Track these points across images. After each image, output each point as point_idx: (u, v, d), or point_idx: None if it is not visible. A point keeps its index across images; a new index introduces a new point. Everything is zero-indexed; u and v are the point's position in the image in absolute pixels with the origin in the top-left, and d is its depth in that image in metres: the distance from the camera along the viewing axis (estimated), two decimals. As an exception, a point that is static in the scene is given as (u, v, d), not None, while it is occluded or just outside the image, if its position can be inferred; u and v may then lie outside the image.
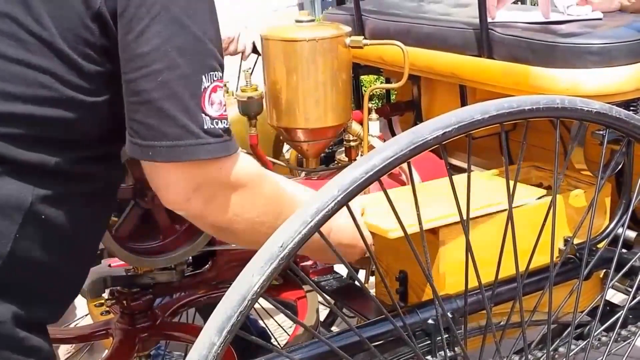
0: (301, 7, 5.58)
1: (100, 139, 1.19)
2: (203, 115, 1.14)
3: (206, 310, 2.42)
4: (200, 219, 1.25)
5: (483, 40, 1.71)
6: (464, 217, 1.17)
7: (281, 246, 1.02)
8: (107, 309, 1.78)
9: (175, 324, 1.80)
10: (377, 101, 3.65)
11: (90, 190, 1.21)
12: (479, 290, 1.22)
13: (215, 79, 1.15)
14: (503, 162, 1.97)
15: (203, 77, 1.14)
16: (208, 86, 1.14)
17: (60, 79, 1.12)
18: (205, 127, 1.14)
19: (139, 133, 1.14)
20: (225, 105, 1.18)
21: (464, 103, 1.94)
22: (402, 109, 2.29)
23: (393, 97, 2.50)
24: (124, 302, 1.63)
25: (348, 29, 1.80)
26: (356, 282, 1.82)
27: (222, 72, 1.19)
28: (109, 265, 1.62)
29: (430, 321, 1.38)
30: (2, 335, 1.11)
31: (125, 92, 1.14)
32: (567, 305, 1.40)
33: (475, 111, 1.13)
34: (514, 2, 1.93)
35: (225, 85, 2.10)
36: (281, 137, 1.92)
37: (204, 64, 1.14)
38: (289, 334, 2.66)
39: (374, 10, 2.15)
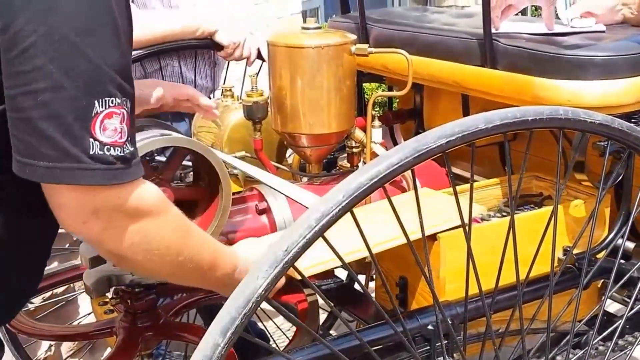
0: (304, 14, 5.61)
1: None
2: (91, 140, 1.08)
3: (206, 312, 2.44)
4: (97, 244, 1.20)
5: (487, 50, 1.73)
6: (465, 224, 1.18)
7: (286, 250, 1.04)
8: (111, 307, 1.80)
9: (178, 324, 1.81)
10: (379, 108, 3.68)
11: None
12: (478, 297, 1.24)
13: (111, 104, 1.10)
14: (502, 170, 2.01)
15: (96, 101, 1.08)
16: (101, 111, 1.09)
17: None
18: (92, 152, 1.08)
19: (18, 149, 1.09)
20: (126, 133, 1.12)
21: (466, 112, 1.96)
22: (404, 117, 2.31)
23: (395, 104, 2.52)
24: (128, 301, 1.64)
25: (353, 36, 1.82)
26: (357, 286, 1.84)
27: (128, 99, 1.13)
28: (114, 265, 1.63)
29: (429, 327, 1.40)
30: None
31: (7, 106, 1.09)
32: (565, 314, 1.42)
33: (479, 120, 1.15)
34: (517, 14, 1.96)
35: (230, 90, 2.13)
36: (285, 142, 1.94)
37: (97, 88, 1.09)
38: (287, 337, 2.68)
39: (379, 19, 2.17)
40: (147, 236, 1.20)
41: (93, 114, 1.08)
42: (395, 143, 2.30)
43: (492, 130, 1.15)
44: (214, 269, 1.33)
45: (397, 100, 2.46)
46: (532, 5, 2.09)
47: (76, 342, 2.70)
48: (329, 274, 1.81)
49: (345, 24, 2.22)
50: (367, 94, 2.53)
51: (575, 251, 1.58)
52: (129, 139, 1.13)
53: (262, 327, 2.61)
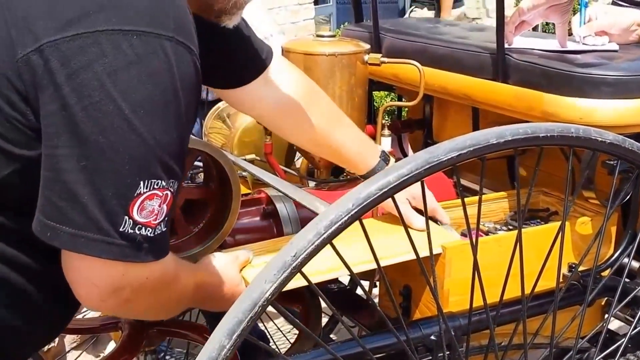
0: (317, 20, 5.63)
1: None
2: (126, 217, 1.05)
3: (210, 311, 2.44)
4: (109, 313, 1.30)
5: (499, 64, 1.74)
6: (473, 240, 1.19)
7: (294, 255, 1.04)
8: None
9: (182, 322, 1.83)
10: (387, 117, 3.68)
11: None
12: (482, 310, 1.25)
13: (155, 187, 1.06)
14: (509, 183, 2.02)
15: (141, 182, 1.05)
16: (144, 192, 1.05)
17: None
18: (122, 229, 1.05)
19: (45, 210, 1.05)
20: (163, 214, 1.09)
21: (475, 125, 1.97)
22: (412, 127, 2.32)
23: (404, 114, 2.53)
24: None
25: (367, 46, 1.83)
26: (359, 292, 1.85)
27: (175, 181, 1.10)
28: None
29: (432, 337, 1.41)
30: None
31: (44, 163, 1.05)
32: (567, 330, 1.43)
33: (490, 135, 1.15)
34: (533, 30, 1.97)
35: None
36: (295, 147, 1.95)
37: (145, 169, 1.05)
38: (287, 338, 2.69)
39: (392, 29, 2.18)
40: (161, 303, 1.23)
41: (135, 194, 1.05)
42: (402, 151, 2.31)
43: (503, 145, 1.16)
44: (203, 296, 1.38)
45: (406, 109, 2.47)
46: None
47: (79, 335, 2.72)
48: (333, 280, 1.82)
49: (358, 33, 2.23)
50: (375, 102, 2.54)
51: (579, 268, 1.58)
52: (165, 219, 1.10)
53: (263, 328, 2.62)
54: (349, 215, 1.06)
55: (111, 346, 2.84)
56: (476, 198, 1.69)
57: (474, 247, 1.20)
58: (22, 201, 1.09)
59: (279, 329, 2.76)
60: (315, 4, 5.58)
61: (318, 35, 1.83)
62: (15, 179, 1.09)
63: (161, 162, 1.07)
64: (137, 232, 1.06)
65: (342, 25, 5.52)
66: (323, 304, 1.71)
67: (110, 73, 1.01)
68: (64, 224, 1.04)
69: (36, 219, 1.06)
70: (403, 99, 2.32)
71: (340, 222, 1.06)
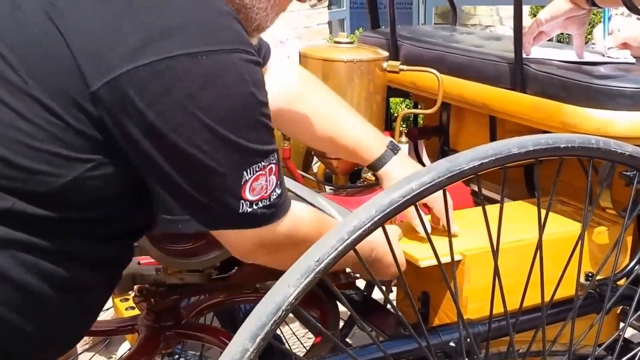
0: (330, 25, 5.65)
1: (103, 217, 1.18)
2: (241, 201, 1.18)
3: (224, 314, 2.46)
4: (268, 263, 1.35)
5: (517, 74, 1.76)
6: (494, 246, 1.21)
7: (317, 260, 1.06)
8: (132, 304, 1.83)
9: (199, 325, 1.85)
10: (403, 124, 3.70)
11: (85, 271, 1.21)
12: (501, 317, 1.26)
13: (257, 169, 1.18)
14: (525, 192, 2.03)
15: (244, 172, 1.16)
16: (249, 178, 1.17)
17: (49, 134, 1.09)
18: (241, 210, 1.18)
19: (169, 207, 1.16)
20: (272, 183, 1.21)
21: (493, 134, 1.98)
22: (428, 134, 2.33)
23: (420, 121, 2.55)
24: (152, 299, 1.68)
25: (386, 53, 1.85)
26: (378, 298, 1.86)
27: (273, 154, 1.20)
28: (139, 263, 1.66)
29: (451, 344, 1.42)
30: None
31: (152, 181, 1.15)
32: (584, 338, 1.44)
33: (512, 145, 1.17)
34: (548, 40, 1.98)
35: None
36: (313, 153, 1.97)
37: (244, 163, 1.16)
38: (302, 342, 2.70)
39: (409, 36, 2.19)
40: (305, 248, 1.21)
41: (242, 183, 1.16)
42: (419, 158, 2.32)
43: (524, 155, 1.17)
44: None
45: (422, 116, 2.49)
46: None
47: (92, 337, 2.74)
48: (351, 284, 1.84)
49: (375, 39, 2.25)
50: (391, 109, 2.56)
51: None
52: (275, 186, 1.22)
53: (278, 332, 2.63)
54: (372, 221, 1.08)
55: (123, 348, 2.85)
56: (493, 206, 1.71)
57: (495, 255, 1.21)
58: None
59: (293, 333, 2.77)
60: (328, 8, 5.59)
61: (336, 42, 1.84)
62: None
63: (256, 152, 1.16)
64: (255, 207, 1.19)
65: (356, 31, 5.54)
66: (340, 308, 1.72)
67: (188, 96, 1.08)
68: (189, 212, 1.16)
69: (161, 219, 1.17)
70: (419, 106, 2.33)
71: (363, 229, 1.07)
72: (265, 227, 1.24)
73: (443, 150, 2.21)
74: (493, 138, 1.97)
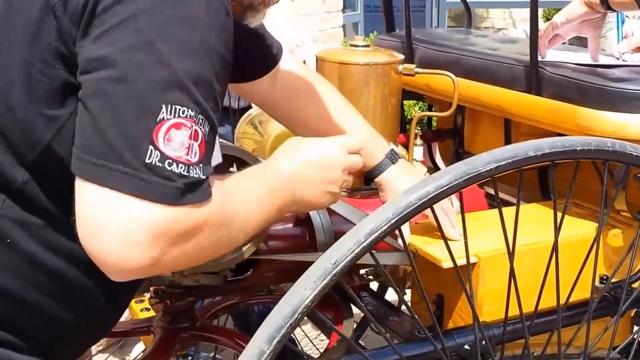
0: (344, 28, 5.66)
1: None
2: (151, 147, 0.95)
3: (239, 316, 2.47)
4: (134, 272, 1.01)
5: (532, 77, 1.76)
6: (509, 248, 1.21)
7: (334, 263, 1.07)
8: (147, 306, 1.84)
9: (214, 327, 1.86)
10: (420, 127, 3.70)
11: None
12: (515, 320, 1.26)
13: (181, 114, 0.97)
14: (539, 195, 2.03)
15: (163, 105, 0.96)
16: (167, 118, 0.96)
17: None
18: (148, 160, 0.95)
19: (75, 142, 1.00)
20: (197, 154, 1.00)
21: (507, 136, 1.99)
22: (443, 136, 2.34)
23: (433, 123, 2.55)
24: (168, 301, 1.68)
25: (401, 56, 1.85)
26: (394, 301, 1.87)
27: (206, 120, 1.01)
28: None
29: (466, 346, 1.42)
30: None
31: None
32: (599, 341, 1.44)
33: (528, 148, 1.17)
34: (563, 43, 1.99)
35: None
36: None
37: (166, 92, 0.97)
38: (314, 345, 2.71)
39: (424, 39, 2.20)
40: (203, 249, 1.06)
41: (158, 120, 0.96)
42: (432, 161, 2.32)
43: (540, 158, 1.18)
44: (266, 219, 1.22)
45: (436, 119, 2.49)
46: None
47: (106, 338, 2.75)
48: (365, 287, 1.84)
49: (390, 42, 2.26)
50: (404, 111, 2.57)
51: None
52: (201, 163, 1.01)
53: (292, 335, 2.64)
54: (389, 224, 1.09)
55: (137, 349, 2.87)
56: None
57: (511, 257, 1.22)
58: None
59: (306, 335, 2.78)
60: (342, 12, 5.61)
61: (352, 45, 1.85)
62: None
63: (185, 89, 0.99)
64: (168, 167, 0.96)
65: (370, 34, 5.55)
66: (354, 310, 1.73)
67: (143, 9, 0.98)
68: (88, 152, 0.97)
69: (73, 155, 0.99)
70: (433, 108, 2.34)
71: (380, 231, 1.08)
72: (167, 209, 0.97)
73: (458, 152, 2.22)
74: (508, 140, 1.98)
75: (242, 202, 1.15)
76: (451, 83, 1.83)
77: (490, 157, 1.14)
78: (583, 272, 1.29)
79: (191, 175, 0.99)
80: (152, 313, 1.84)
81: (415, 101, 3.08)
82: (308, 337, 2.77)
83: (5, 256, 1.10)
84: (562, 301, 1.29)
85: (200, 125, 1.00)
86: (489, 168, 1.14)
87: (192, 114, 0.99)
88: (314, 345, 2.73)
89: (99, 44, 0.98)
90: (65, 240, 1.12)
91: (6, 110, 1.07)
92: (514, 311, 1.26)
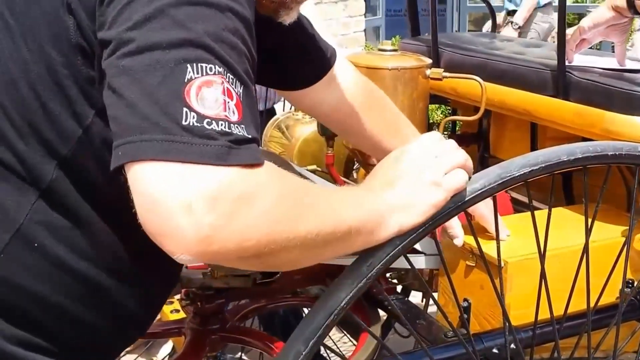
0: (365, 33, 5.66)
1: None
2: (185, 109, 0.89)
3: (265, 317, 2.49)
4: (206, 249, 0.90)
5: (560, 82, 1.77)
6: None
7: (369, 265, 1.08)
8: (177, 307, 1.86)
9: (243, 328, 1.87)
10: (435, 129, 3.71)
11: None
12: (543, 324, 1.27)
13: (208, 71, 0.91)
14: (563, 199, 2.04)
15: (188, 65, 0.91)
16: (195, 77, 0.90)
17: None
18: (185, 122, 0.88)
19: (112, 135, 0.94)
20: (234, 111, 0.92)
21: (534, 140, 1.99)
22: (467, 140, 2.34)
23: (457, 127, 2.56)
24: (199, 303, 1.70)
25: (429, 60, 1.86)
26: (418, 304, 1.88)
27: (233, 77, 0.94)
28: (186, 267, 1.68)
29: (494, 350, 1.43)
30: None
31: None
32: (626, 344, 1.45)
33: (561, 152, 1.18)
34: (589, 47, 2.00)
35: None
36: (355, 159, 1.99)
37: (190, 51, 0.92)
38: (337, 347, 2.71)
39: (450, 43, 2.21)
40: (270, 220, 0.93)
41: (186, 79, 0.90)
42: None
43: (573, 162, 1.19)
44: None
45: (461, 123, 2.50)
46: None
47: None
48: (392, 290, 1.86)
49: (416, 47, 2.27)
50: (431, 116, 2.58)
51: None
52: (242, 120, 0.92)
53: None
54: (423, 228, 1.10)
55: (164, 350, 2.89)
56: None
57: (542, 261, 1.23)
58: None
59: (329, 337, 2.78)
60: (364, 16, 5.62)
61: (380, 49, 1.87)
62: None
63: (208, 47, 0.93)
64: (207, 126, 0.89)
65: (392, 39, 5.57)
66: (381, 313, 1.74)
67: None
68: (124, 135, 0.90)
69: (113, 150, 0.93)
70: (458, 112, 2.35)
71: (414, 235, 1.09)
72: (219, 169, 0.88)
73: (483, 157, 2.23)
74: (534, 145, 1.99)
75: (311, 190, 1.04)
76: (478, 87, 1.84)
77: (524, 161, 1.15)
78: (602, 276, 1.29)
79: (234, 132, 0.91)
80: (181, 315, 1.86)
81: (437, 105, 3.10)
82: (331, 338, 2.78)
83: (34, 261, 1.08)
84: (590, 305, 1.29)
85: (232, 84, 0.93)
86: (522, 172, 1.15)
87: (220, 70, 0.92)
88: (337, 348, 2.73)
89: (113, 26, 0.95)
90: (92, 243, 1.11)
91: (38, 106, 1.06)
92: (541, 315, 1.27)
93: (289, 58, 1.50)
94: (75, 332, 1.16)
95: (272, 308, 1.93)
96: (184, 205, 0.87)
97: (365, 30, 5.72)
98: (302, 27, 1.48)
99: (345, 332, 2.27)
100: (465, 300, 1.65)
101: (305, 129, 2.06)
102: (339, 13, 4.91)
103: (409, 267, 1.17)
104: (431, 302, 1.89)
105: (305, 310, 2.65)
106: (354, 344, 2.45)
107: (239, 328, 1.81)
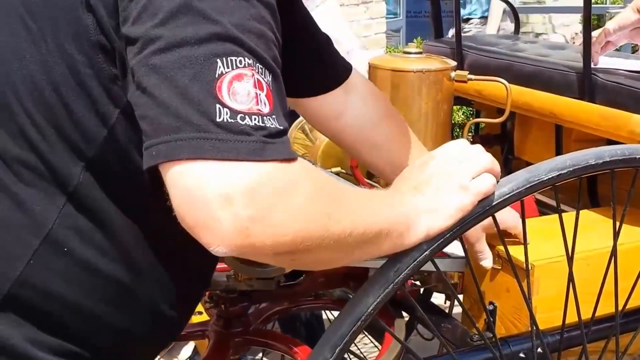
0: (388, 35, 5.66)
1: None
2: (218, 105, 0.89)
3: (286, 320, 2.48)
4: (241, 243, 0.90)
5: (586, 84, 1.76)
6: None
7: (396, 270, 1.07)
8: (200, 310, 1.86)
9: (267, 331, 1.86)
10: (457, 130, 3.70)
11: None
12: (570, 327, 1.26)
13: (238, 64, 0.91)
14: (588, 201, 2.02)
15: (218, 59, 0.90)
16: (226, 72, 0.90)
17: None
18: (219, 119, 0.88)
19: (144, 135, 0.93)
20: (266, 103, 0.92)
21: (558, 142, 1.98)
22: (491, 142, 2.33)
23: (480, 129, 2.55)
24: (222, 305, 1.70)
25: (453, 63, 1.86)
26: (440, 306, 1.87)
27: (262, 67, 0.93)
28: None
29: (521, 354, 1.42)
30: (15, 355, 1.07)
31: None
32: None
33: (589, 156, 1.17)
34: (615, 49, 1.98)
35: None
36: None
37: (218, 46, 0.91)
38: (359, 348, 2.71)
39: (473, 45, 2.21)
40: (305, 216, 0.94)
41: (217, 75, 0.90)
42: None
43: (601, 166, 1.18)
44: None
45: (483, 125, 2.49)
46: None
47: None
48: (414, 292, 1.85)
49: (439, 48, 2.26)
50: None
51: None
52: (274, 115, 0.92)
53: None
54: (451, 232, 1.09)
55: (185, 352, 2.89)
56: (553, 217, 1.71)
57: (570, 264, 1.22)
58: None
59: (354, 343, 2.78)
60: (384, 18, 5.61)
61: (405, 52, 1.86)
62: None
63: (236, 40, 0.92)
64: (241, 122, 0.89)
65: (414, 40, 5.57)
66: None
67: None
68: (156, 135, 0.91)
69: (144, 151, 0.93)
70: (481, 114, 2.34)
71: (442, 239, 1.09)
72: (255, 165, 0.89)
73: (507, 158, 2.22)
74: (559, 147, 1.98)
75: (343, 189, 1.04)
76: (502, 89, 1.83)
77: (552, 165, 1.15)
78: (628, 280, 1.28)
79: (267, 125, 0.91)
80: (205, 317, 1.86)
81: (459, 106, 3.09)
82: (355, 344, 2.78)
83: (64, 266, 1.08)
84: (613, 309, 1.28)
85: (261, 74, 0.93)
86: (550, 176, 1.14)
87: (250, 62, 0.92)
88: (359, 349, 2.73)
89: (138, 23, 0.94)
90: (120, 246, 1.10)
91: (61, 107, 1.05)
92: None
93: (303, 60, 1.45)
94: (108, 337, 1.15)
95: (297, 310, 1.92)
96: (223, 197, 0.87)
97: (386, 31, 5.72)
98: (316, 31, 1.47)
99: (366, 334, 2.26)
100: (490, 303, 1.64)
101: (329, 130, 2.05)
102: (360, 15, 4.92)
103: (434, 269, 1.16)
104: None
105: (326, 313, 2.65)
106: (374, 344, 2.45)
107: (262, 331, 1.80)
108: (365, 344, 2.82)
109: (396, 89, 1.79)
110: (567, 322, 1.26)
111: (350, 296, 1.87)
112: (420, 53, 1.85)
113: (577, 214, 1.23)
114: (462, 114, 3.51)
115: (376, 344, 2.11)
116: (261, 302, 1.88)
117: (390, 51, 5.53)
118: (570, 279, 1.22)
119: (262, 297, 1.78)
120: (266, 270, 1.54)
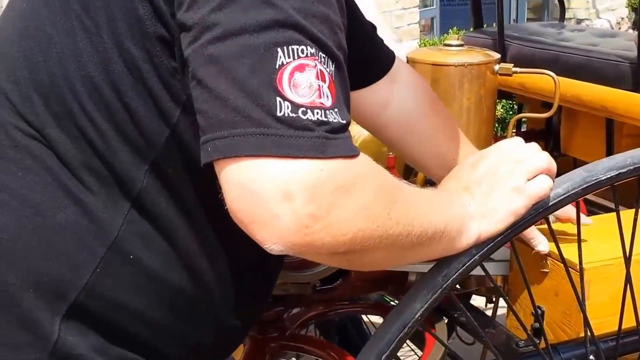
0: (420, 26, 5.60)
1: None
2: (278, 99, 0.84)
3: (322, 324, 2.43)
4: (300, 242, 0.87)
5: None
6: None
7: (444, 275, 1.03)
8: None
9: (303, 336, 1.81)
10: (497, 126, 3.62)
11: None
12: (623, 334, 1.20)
13: (300, 54, 0.86)
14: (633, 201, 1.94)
15: (278, 49, 0.85)
16: (287, 62, 0.85)
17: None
18: (280, 114, 0.84)
19: (200, 127, 0.89)
20: (329, 96, 0.87)
21: (610, 137, 1.91)
22: (535, 138, 2.25)
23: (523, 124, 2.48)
24: (257, 311, 1.66)
25: (497, 55, 1.78)
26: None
27: (326, 57, 0.89)
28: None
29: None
30: None
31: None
32: None
33: (651, 153, 1.11)
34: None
35: None
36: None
37: (279, 33, 0.86)
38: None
39: (516, 35, 2.13)
40: (369, 214, 0.90)
41: (277, 66, 0.85)
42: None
43: (663, 164, 1.11)
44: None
45: (526, 120, 2.41)
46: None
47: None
48: (457, 296, 1.78)
49: (480, 40, 2.19)
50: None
51: None
52: (336, 108, 0.88)
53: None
54: (502, 236, 1.04)
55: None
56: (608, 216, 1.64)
57: (627, 265, 1.16)
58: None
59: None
60: (418, 8, 5.54)
61: (445, 44, 1.79)
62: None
63: (298, 26, 0.87)
64: (303, 116, 0.85)
65: (450, 30, 5.50)
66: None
67: None
68: (214, 130, 0.87)
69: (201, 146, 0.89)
70: (524, 107, 2.27)
71: (492, 243, 1.04)
72: (317, 162, 0.85)
73: (552, 155, 2.13)
74: (610, 142, 1.91)
75: (403, 188, 0.98)
76: (549, 82, 1.75)
77: (611, 164, 1.10)
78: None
79: (330, 120, 0.86)
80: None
81: (498, 100, 3.01)
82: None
83: (130, 274, 1.04)
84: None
85: (324, 64, 0.88)
86: (609, 175, 1.09)
87: (312, 51, 0.87)
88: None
89: (194, 7, 0.89)
90: (184, 252, 1.06)
91: (121, 107, 1.00)
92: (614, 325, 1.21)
93: (354, 50, 1.35)
94: (172, 347, 1.11)
95: (334, 315, 1.87)
96: (282, 193, 0.84)
97: (420, 22, 5.63)
98: (363, 17, 1.40)
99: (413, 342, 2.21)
100: (538, 307, 1.58)
101: (363, 130, 1.99)
102: (392, 5, 4.84)
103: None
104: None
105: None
106: (411, 349, 2.40)
107: (298, 336, 1.75)
108: (402, 348, 2.75)
109: (436, 84, 1.72)
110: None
111: (387, 300, 1.82)
112: (461, 45, 1.77)
113: (636, 213, 1.16)
114: (502, 108, 3.41)
115: (412, 347, 2.06)
116: (296, 307, 1.82)
117: (424, 44, 5.46)
118: (628, 280, 1.15)
119: (298, 301, 1.73)
120: (304, 275, 1.49)
